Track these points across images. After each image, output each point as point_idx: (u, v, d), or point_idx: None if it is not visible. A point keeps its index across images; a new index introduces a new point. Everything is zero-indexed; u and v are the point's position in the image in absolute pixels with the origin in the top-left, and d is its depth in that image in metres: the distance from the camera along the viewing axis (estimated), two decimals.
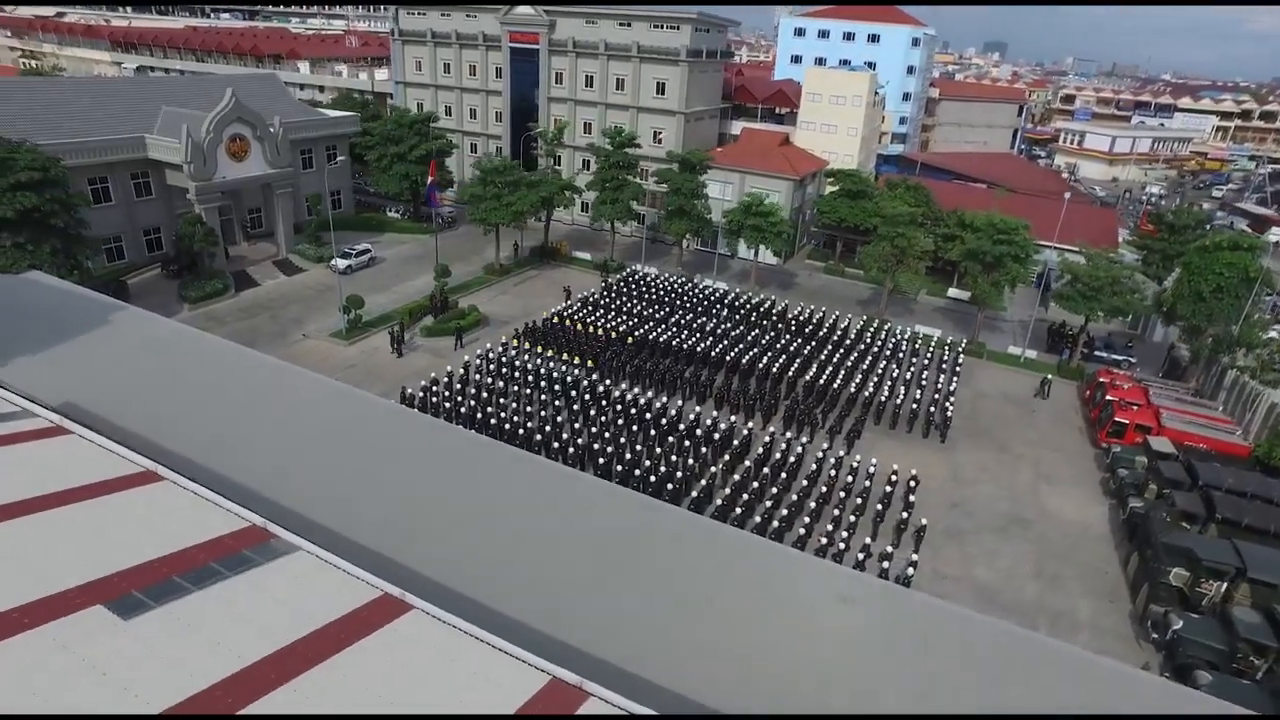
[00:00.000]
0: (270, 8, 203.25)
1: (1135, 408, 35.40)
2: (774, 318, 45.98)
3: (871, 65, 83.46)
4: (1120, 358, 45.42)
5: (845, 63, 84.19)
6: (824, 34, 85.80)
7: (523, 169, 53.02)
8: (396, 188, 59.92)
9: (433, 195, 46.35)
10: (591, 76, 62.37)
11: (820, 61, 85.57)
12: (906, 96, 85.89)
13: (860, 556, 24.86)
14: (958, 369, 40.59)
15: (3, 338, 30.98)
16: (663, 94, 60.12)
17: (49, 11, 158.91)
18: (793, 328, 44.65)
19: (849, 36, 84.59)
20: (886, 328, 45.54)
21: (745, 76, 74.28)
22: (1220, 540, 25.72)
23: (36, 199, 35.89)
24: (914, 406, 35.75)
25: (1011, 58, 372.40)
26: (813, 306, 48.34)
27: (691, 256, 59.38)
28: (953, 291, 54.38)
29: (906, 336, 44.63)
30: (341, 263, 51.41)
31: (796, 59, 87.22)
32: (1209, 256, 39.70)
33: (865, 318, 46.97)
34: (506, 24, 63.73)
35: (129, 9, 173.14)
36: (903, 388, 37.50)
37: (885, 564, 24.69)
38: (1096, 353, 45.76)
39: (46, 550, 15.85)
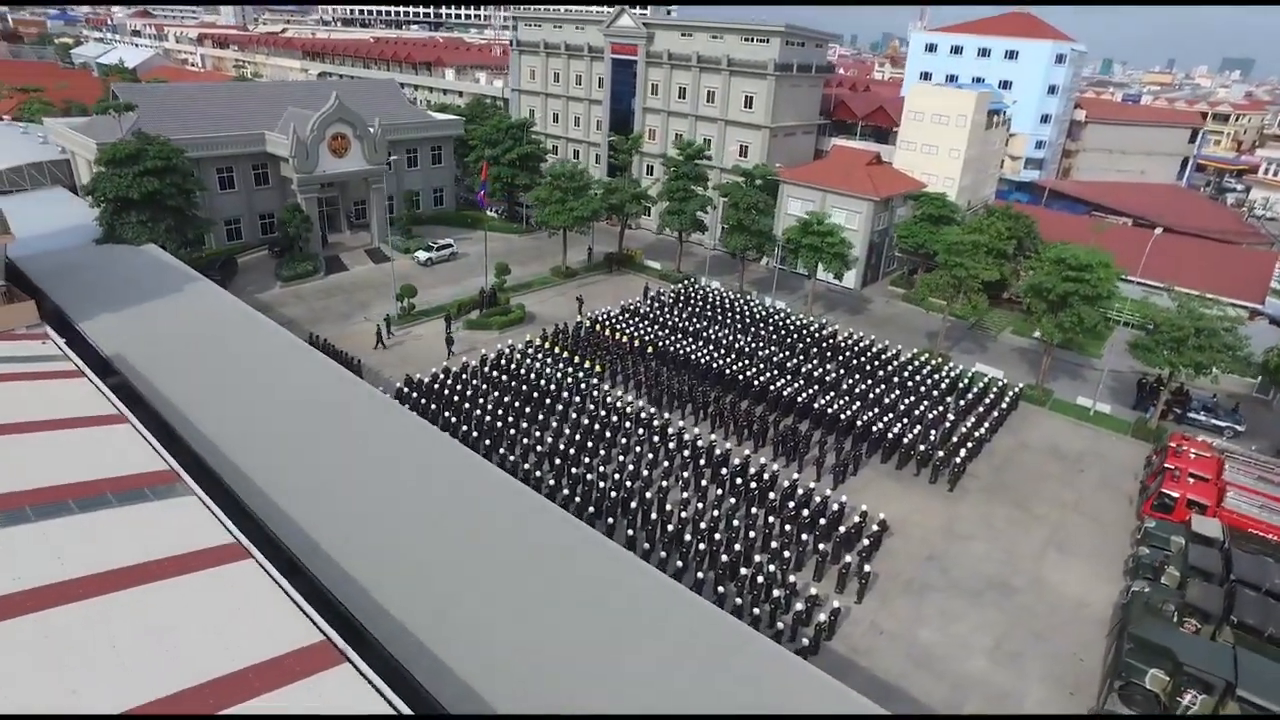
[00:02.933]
0: (453, 19, 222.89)
1: (1193, 480, 30.47)
2: (810, 340, 44.08)
3: (1006, 84, 77.49)
4: (1223, 424, 39.07)
5: (979, 80, 78.53)
6: (957, 50, 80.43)
7: (606, 175, 54.56)
8: (491, 188, 63.71)
9: (482, 197, 48.95)
10: (684, 88, 62.94)
11: (951, 79, 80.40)
12: (1046, 118, 78.50)
13: (779, 594, 23.57)
14: (996, 413, 36.95)
15: (104, 295, 36.94)
16: (750, 107, 59.46)
17: (278, 28, 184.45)
18: (828, 353, 42.64)
19: (984, 53, 78.71)
20: (934, 362, 42.23)
21: (846, 92, 71.47)
22: (1216, 645, 21.71)
23: (159, 184, 42.30)
24: (922, 447, 32.99)
25: (1259, 75, 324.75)
26: (861, 333, 45.84)
27: (768, 274, 58.14)
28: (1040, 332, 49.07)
29: (957, 373, 41.11)
30: (423, 255, 55.69)
31: (926, 76, 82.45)
32: None
33: (915, 350, 43.84)
34: (609, 35, 65.86)
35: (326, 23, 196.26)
36: (918, 426, 34.69)
37: (801, 605, 23.29)
38: (1191, 414, 39.67)
39: None
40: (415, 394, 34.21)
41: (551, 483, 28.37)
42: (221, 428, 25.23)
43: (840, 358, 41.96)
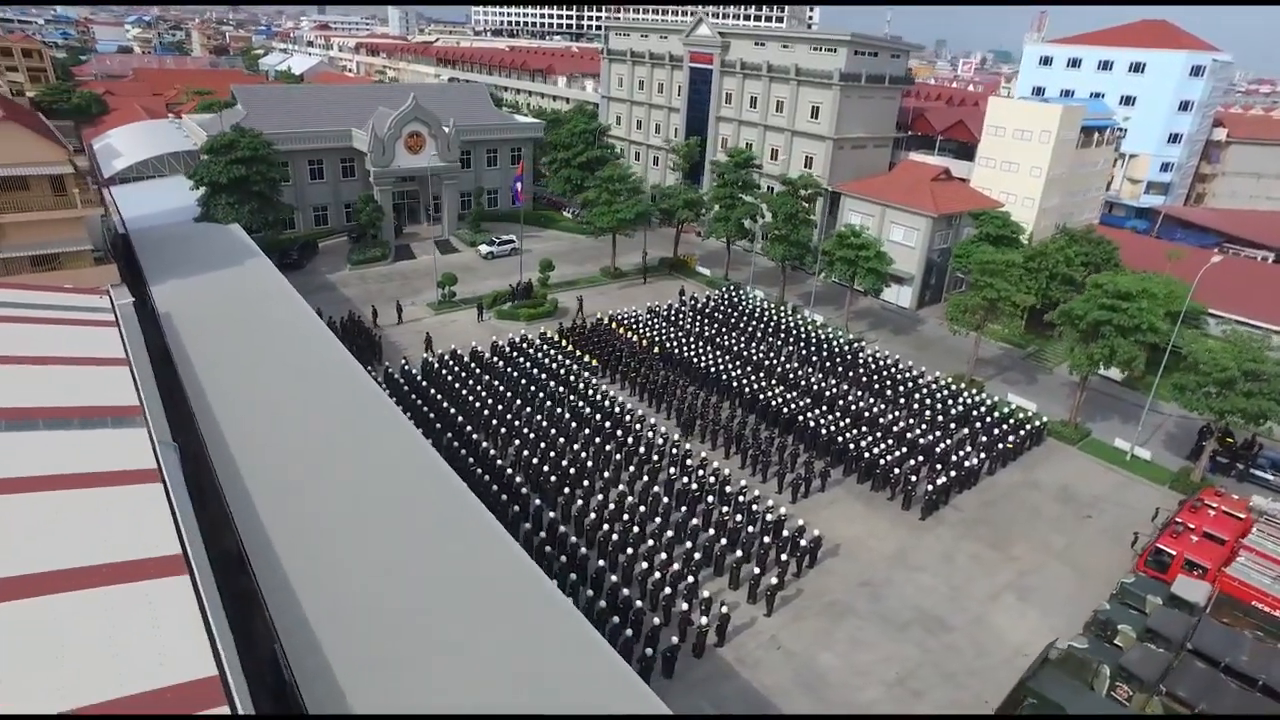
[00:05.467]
0: (592, 30, 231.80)
1: (1198, 539, 26.98)
2: (827, 354, 42.77)
3: (1129, 100, 70.83)
4: None
5: (1097, 95, 72.19)
6: (1074, 63, 74.28)
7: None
8: (562, 189, 66.46)
9: (517, 193, 51.23)
10: (755, 98, 62.65)
11: (1067, 94, 74.43)
12: (1175, 138, 70.66)
13: (669, 591, 23.57)
14: (1001, 445, 34.26)
15: (180, 263, 42.31)
16: (816, 118, 58.28)
17: (432, 38, 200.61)
18: (839, 368, 41.21)
19: (1105, 65, 72.15)
20: (954, 387, 39.67)
21: (933, 104, 67.89)
22: (1119, 711, 19.41)
23: (246, 171, 48.04)
24: (897, 470, 31.35)
25: None
26: (888, 351, 43.86)
27: (824, 287, 56.62)
28: (1113, 371, 44.08)
29: (976, 400, 38.44)
30: (485, 249, 59.09)
31: (1039, 91, 76.81)
32: None
33: (940, 373, 41.35)
34: (689, 44, 66.77)
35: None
36: (903, 448, 32.95)
37: (685, 605, 23.18)
38: (1256, 471, 34.89)
39: None
40: (414, 372, 36.88)
41: (499, 462, 29.76)
42: (215, 379, 28.73)
43: (852, 374, 40.47)
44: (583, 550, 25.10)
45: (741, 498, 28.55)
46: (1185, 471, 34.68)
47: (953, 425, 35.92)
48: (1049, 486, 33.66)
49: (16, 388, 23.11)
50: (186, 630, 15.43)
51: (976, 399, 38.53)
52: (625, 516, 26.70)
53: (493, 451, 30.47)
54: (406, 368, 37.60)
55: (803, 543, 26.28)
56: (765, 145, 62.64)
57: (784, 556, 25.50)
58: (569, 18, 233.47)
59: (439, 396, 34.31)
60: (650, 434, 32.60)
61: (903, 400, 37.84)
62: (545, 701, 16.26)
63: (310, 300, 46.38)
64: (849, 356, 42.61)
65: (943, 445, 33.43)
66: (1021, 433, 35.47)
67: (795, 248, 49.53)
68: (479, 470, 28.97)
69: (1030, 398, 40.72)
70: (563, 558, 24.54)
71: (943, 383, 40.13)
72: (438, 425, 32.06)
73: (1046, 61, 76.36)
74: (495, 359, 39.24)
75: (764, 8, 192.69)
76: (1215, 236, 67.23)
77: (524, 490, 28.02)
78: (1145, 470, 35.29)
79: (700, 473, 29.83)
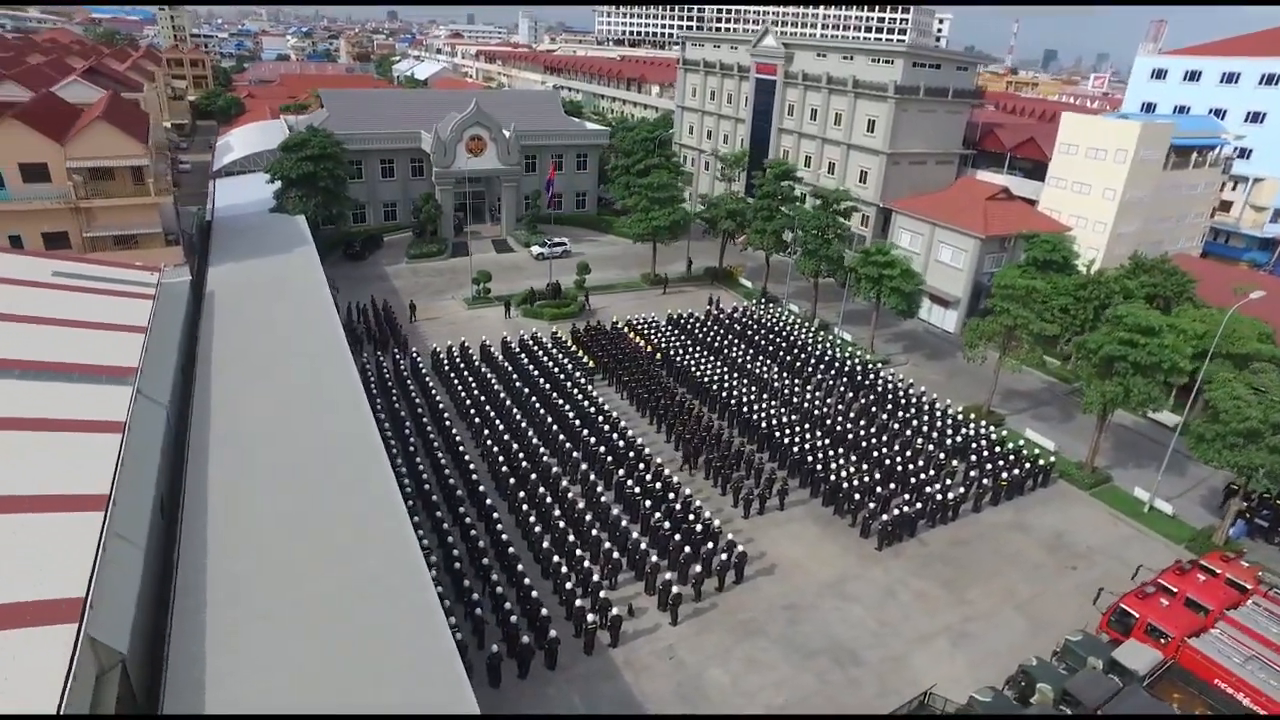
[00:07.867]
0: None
1: (1168, 604, 24.25)
2: (836, 373, 41.45)
3: (1257, 117, 63.52)
4: None
5: (1218, 114, 65.15)
6: (1192, 75, 67.22)
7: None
8: (620, 195, 67.79)
9: (550, 198, 52.68)
10: (815, 110, 61.38)
11: (1181, 110, 67.64)
12: None
13: (570, 586, 24.07)
14: (987, 480, 32.04)
15: (243, 248, 46.80)
16: (871, 131, 56.35)
17: (554, 46, 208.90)
18: (840, 387, 39.83)
19: (1229, 79, 64.83)
20: (960, 417, 37.33)
21: (998, 120, 63.46)
22: None
23: (314, 167, 52.66)
24: (857, 496, 30.08)
25: None
26: (904, 376, 41.93)
27: (867, 305, 54.67)
28: (1166, 415, 39.76)
29: (977, 432, 36.04)
30: (536, 249, 61.40)
31: (1149, 108, 70.19)
32: None
33: (949, 401, 39.00)
34: (755, 55, 66.32)
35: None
36: (876, 474, 31.55)
37: (581, 601, 23.57)
38: None
39: (19, 339, 26.84)
40: (421, 362, 39.31)
41: (461, 448, 31.27)
42: (222, 353, 32.06)
43: (852, 394, 39.08)
44: (505, 537, 26.05)
45: (679, 506, 28.50)
46: (1209, 531, 31.06)
47: (942, 455, 33.95)
48: (1040, 531, 31.15)
49: (43, 344, 26.97)
50: (77, 557, 17.72)
51: (981, 430, 36.14)
52: (557, 512, 27.39)
53: (460, 439, 32.04)
54: (416, 357, 40.04)
55: (724, 557, 25.96)
56: (823, 158, 61.24)
57: (698, 568, 25.27)
58: (689, 26, 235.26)
59: (432, 386, 36.40)
60: (615, 437, 33.02)
61: (897, 426, 36.14)
62: (350, 685, 16.95)
63: (360, 288, 50.47)
64: (860, 377, 41.08)
65: (921, 475, 31.73)
66: (1016, 470, 32.96)
67: (826, 263, 48.22)
68: (442, 456, 30.61)
69: (1060, 436, 37.87)
70: (481, 543, 25.62)
71: (951, 411, 37.92)
72: (419, 411, 34.08)
73: (1160, 75, 69.49)
74: (500, 355, 40.97)
75: (889, 15, 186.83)
76: None
77: (475, 478, 29.35)
78: (1162, 525, 31.89)
79: (647, 478, 30.01)
